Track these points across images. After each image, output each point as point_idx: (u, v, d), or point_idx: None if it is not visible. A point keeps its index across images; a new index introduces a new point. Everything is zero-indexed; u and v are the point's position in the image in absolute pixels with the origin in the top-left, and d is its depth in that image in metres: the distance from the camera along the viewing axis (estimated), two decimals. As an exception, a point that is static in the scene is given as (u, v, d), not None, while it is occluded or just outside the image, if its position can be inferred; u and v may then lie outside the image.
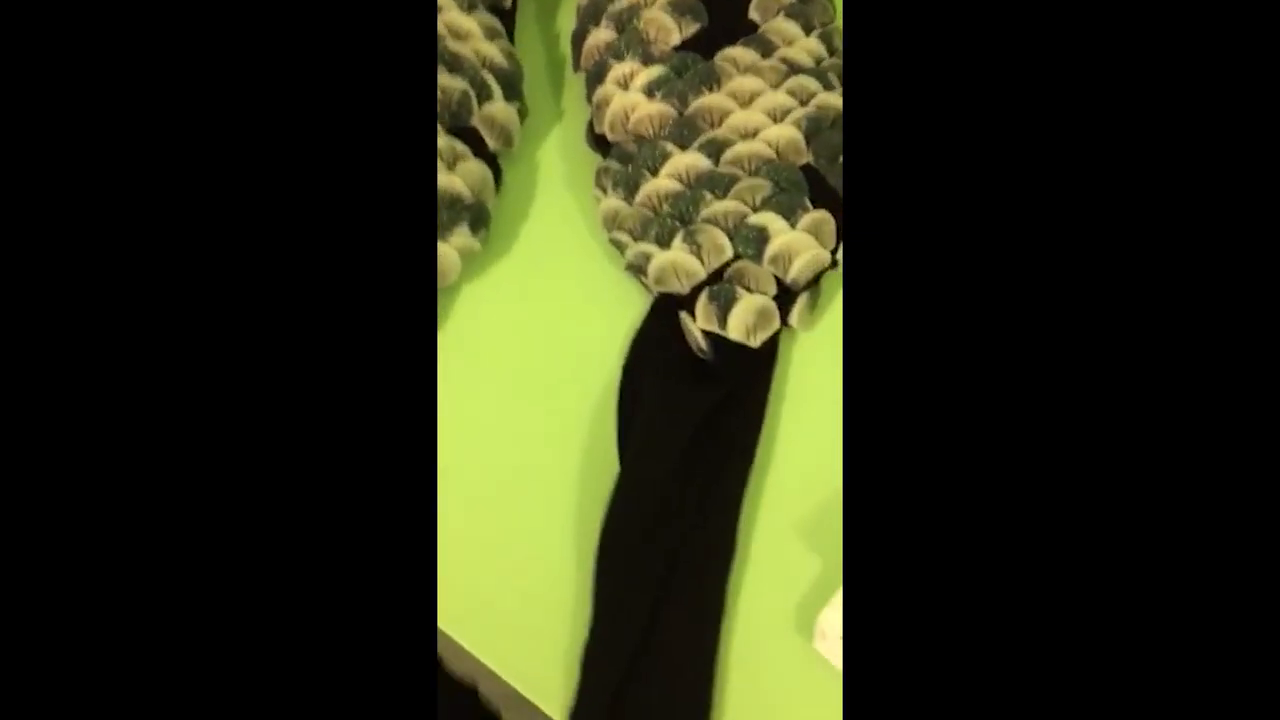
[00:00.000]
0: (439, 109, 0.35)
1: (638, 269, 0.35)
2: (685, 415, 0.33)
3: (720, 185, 0.34)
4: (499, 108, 0.36)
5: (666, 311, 0.35)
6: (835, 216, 0.34)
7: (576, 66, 0.38)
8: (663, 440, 0.32)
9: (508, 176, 0.37)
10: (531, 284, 0.37)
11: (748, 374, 0.34)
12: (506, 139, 0.37)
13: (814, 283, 0.34)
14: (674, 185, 0.35)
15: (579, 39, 0.37)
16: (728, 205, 0.34)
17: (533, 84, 0.39)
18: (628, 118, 0.36)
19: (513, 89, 0.37)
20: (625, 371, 0.34)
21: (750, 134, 0.35)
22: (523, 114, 0.37)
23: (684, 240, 0.34)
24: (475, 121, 0.36)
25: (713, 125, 0.35)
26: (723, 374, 0.34)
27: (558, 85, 0.40)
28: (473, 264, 0.36)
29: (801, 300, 0.34)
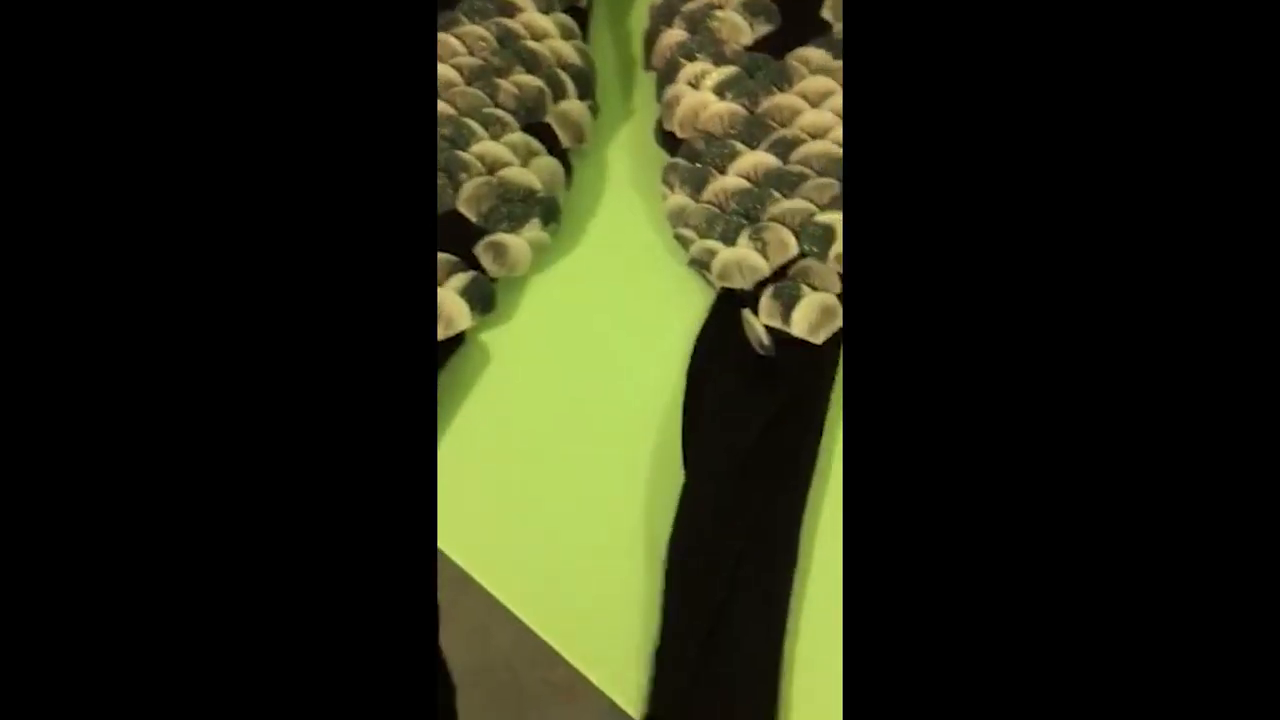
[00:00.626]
0: (515, 104, 0.36)
1: (701, 264, 0.36)
2: (748, 416, 0.33)
3: (788, 184, 0.35)
4: (573, 105, 0.37)
5: (729, 308, 0.35)
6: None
7: (648, 65, 0.38)
8: (727, 441, 0.33)
9: (577, 172, 0.38)
10: (597, 276, 0.37)
11: (810, 372, 0.34)
12: (579, 135, 0.37)
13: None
14: (742, 183, 0.35)
15: (651, 38, 0.38)
16: (795, 204, 0.35)
17: (604, 82, 0.39)
18: (697, 116, 0.36)
19: (586, 87, 0.38)
20: (691, 368, 0.35)
21: (820, 134, 0.35)
22: (594, 111, 0.38)
23: (750, 237, 0.35)
24: (549, 118, 0.37)
25: (782, 125, 0.36)
26: (785, 372, 0.34)
27: (628, 84, 0.41)
28: (541, 255, 0.37)
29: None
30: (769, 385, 0.34)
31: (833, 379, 0.34)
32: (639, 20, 0.41)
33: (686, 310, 0.36)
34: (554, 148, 0.37)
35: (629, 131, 0.40)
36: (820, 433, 0.34)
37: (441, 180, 0.35)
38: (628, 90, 0.40)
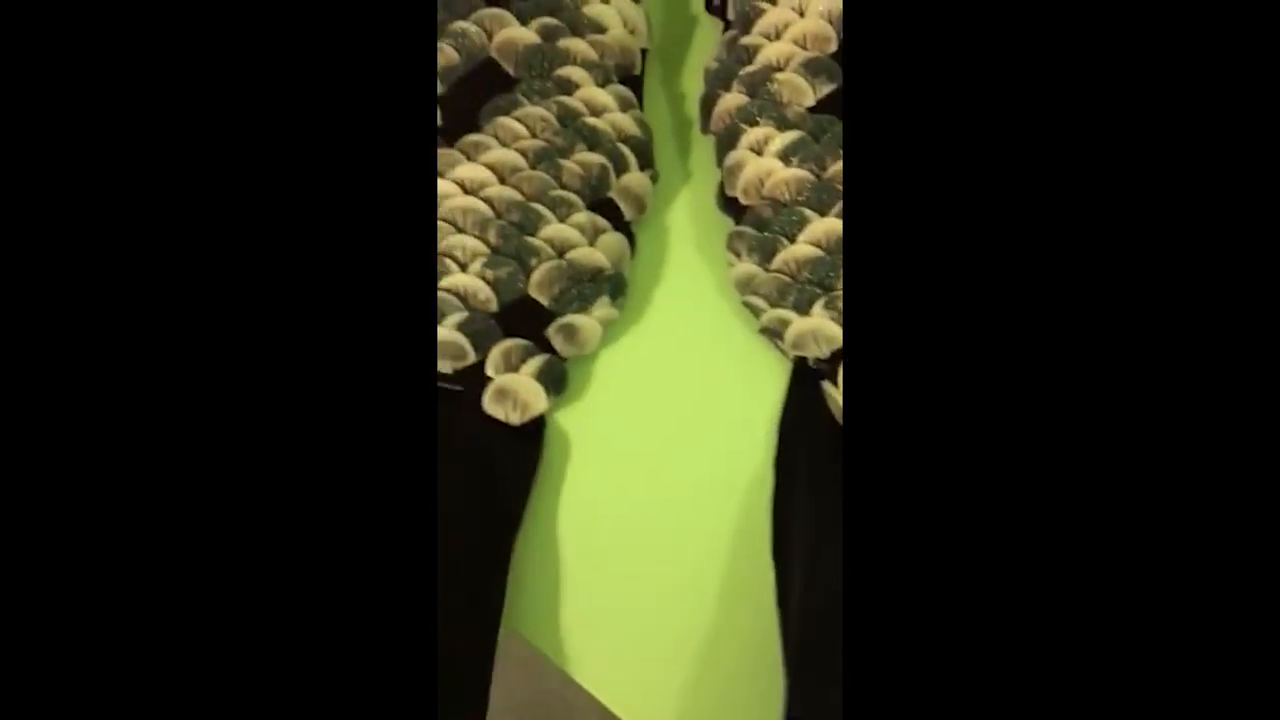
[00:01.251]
0: (580, 184, 0.35)
1: (774, 334, 0.35)
2: (832, 490, 0.33)
3: (862, 253, 0.35)
4: (634, 178, 0.37)
5: (809, 381, 0.35)
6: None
7: (705, 129, 0.38)
8: (811, 519, 0.33)
9: (639, 239, 0.38)
10: (665, 347, 0.37)
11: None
12: (641, 207, 0.37)
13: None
14: (814, 251, 0.35)
15: (709, 103, 0.38)
16: (870, 274, 0.34)
17: (660, 144, 0.39)
18: (763, 183, 0.36)
19: (646, 157, 0.37)
20: (778, 446, 0.34)
21: (891, 202, 0.35)
22: (654, 179, 0.38)
23: (824, 306, 0.34)
24: (613, 193, 0.36)
25: (851, 192, 0.35)
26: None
27: (684, 146, 0.40)
28: (609, 330, 0.37)
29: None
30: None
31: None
32: (691, 78, 0.40)
33: (759, 379, 0.36)
34: (618, 222, 0.36)
35: (688, 196, 0.39)
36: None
37: (512, 266, 0.34)
38: (684, 152, 0.40)
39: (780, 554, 0.33)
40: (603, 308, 0.36)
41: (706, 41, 0.41)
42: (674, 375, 0.37)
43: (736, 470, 0.35)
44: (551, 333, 0.35)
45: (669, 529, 0.35)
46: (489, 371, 0.34)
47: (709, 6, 0.39)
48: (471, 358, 0.34)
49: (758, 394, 0.36)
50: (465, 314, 0.34)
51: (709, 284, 0.38)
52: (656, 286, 0.38)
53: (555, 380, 0.35)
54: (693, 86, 0.40)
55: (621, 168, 0.36)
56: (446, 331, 0.34)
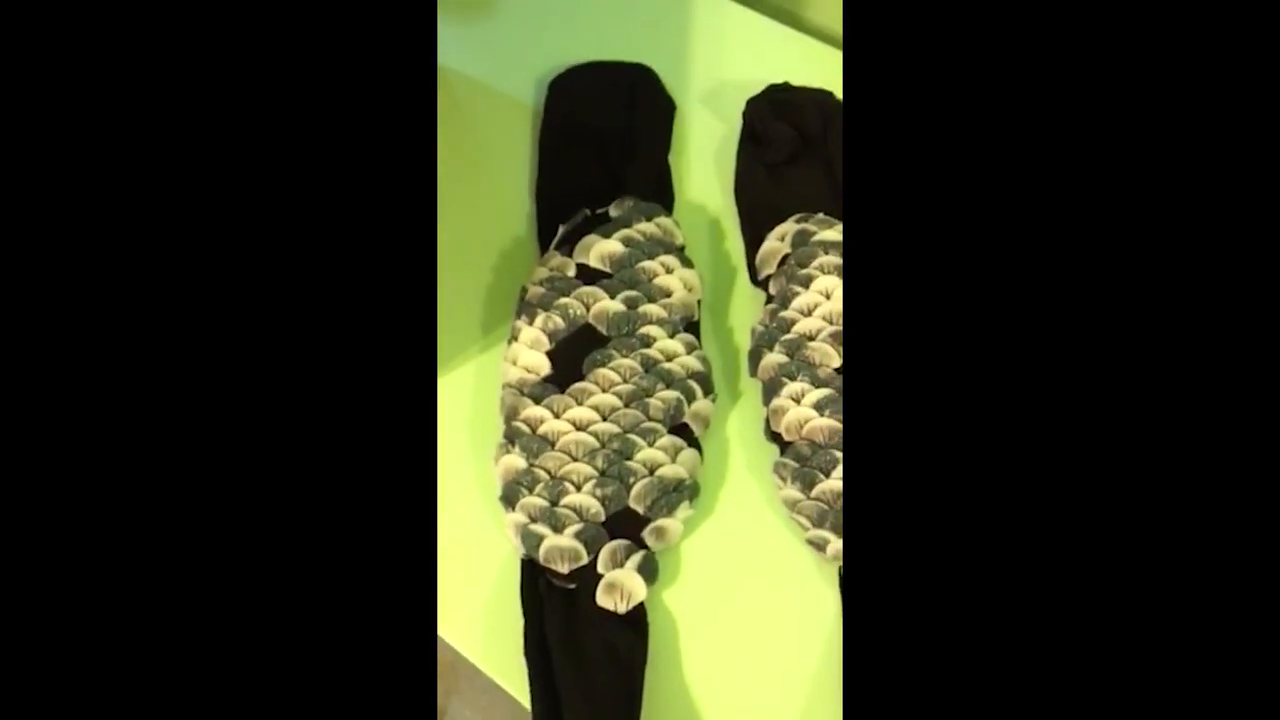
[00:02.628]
0: (663, 416, 0.45)
1: (817, 547, 0.45)
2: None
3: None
4: (702, 405, 0.47)
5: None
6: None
7: (753, 374, 0.48)
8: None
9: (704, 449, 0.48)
10: (732, 544, 0.47)
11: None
12: (707, 424, 0.47)
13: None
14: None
15: (755, 357, 0.48)
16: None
17: (717, 374, 0.49)
18: (801, 427, 0.46)
19: (708, 386, 0.48)
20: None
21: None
22: (714, 400, 0.48)
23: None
24: (687, 419, 0.46)
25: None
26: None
27: (731, 375, 0.51)
28: (688, 527, 0.46)
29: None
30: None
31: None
32: (738, 323, 0.51)
33: (811, 581, 0.45)
34: (692, 441, 0.46)
35: (737, 418, 0.49)
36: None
37: (616, 486, 0.44)
38: (732, 383, 0.50)
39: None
40: (684, 510, 0.45)
41: (741, 294, 0.52)
42: (741, 569, 0.46)
43: (803, 649, 0.44)
44: (646, 533, 0.45)
45: (744, 692, 0.43)
46: (600, 569, 0.44)
47: (755, 281, 0.50)
48: (585, 559, 0.44)
49: (811, 594, 0.45)
50: (581, 525, 0.44)
51: (760, 499, 0.47)
52: (718, 494, 0.48)
53: (650, 571, 0.44)
54: (739, 321, 0.50)
55: (691, 397, 0.47)
56: (567, 540, 0.43)
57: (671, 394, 0.46)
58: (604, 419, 0.45)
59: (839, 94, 0.55)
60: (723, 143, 0.56)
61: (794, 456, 0.46)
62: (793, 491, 0.45)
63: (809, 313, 0.47)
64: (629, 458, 0.45)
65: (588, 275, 0.48)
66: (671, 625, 0.45)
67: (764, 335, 0.48)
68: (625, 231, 0.48)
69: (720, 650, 0.44)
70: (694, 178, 0.55)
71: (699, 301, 0.50)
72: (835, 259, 0.47)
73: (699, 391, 0.47)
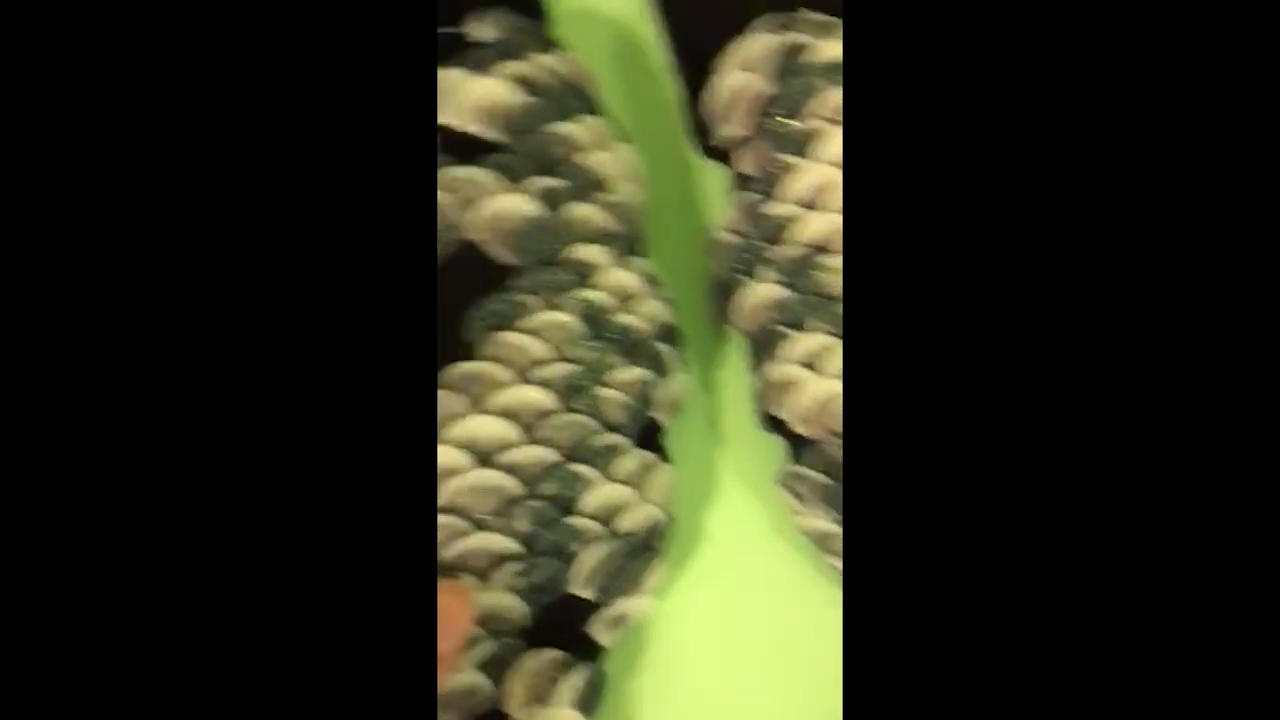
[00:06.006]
0: (625, 416, 0.25)
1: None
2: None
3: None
4: (677, 382, 0.26)
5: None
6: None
7: (720, 320, 0.28)
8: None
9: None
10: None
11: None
12: (678, 409, 0.27)
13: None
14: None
15: (724, 291, 0.28)
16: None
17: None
18: (822, 410, 0.27)
19: (674, 340, 0.27)
20: None
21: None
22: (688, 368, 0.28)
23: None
24: (655, 410, 0.26)
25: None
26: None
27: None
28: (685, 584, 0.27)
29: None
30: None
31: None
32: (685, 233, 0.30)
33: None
34: (657, 444, 0.26)
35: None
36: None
37: (549, 566, 0.23)
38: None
39: None
40: (655, 576, 0.25)
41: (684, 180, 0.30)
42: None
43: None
44: (596, 627, 0.25)
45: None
46: (511, 709, 0.23)
47: (705, 150, 0.29)
48: (485, 692, 0.23)
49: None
50: (491, 643, 0.23)
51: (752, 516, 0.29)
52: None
53: (594, 698, 0.25)
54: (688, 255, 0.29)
55: (661, 371, 0.26)
56: (466, 675, 0.23)
57: (635, 372, 0.25)
58: (528, 438, 0.23)
59: None
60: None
61: (817, 465, 0.26)
62: (824, 524, 0.26)
63: (815, 204, 0.26)
64: (571, 508, 0.24)
65: (460, 147, 0.24)
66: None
67: (739, 252, 0.27)
68: (516, 67, 0.25)
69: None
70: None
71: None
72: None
73: (673, 360, 0.26)
